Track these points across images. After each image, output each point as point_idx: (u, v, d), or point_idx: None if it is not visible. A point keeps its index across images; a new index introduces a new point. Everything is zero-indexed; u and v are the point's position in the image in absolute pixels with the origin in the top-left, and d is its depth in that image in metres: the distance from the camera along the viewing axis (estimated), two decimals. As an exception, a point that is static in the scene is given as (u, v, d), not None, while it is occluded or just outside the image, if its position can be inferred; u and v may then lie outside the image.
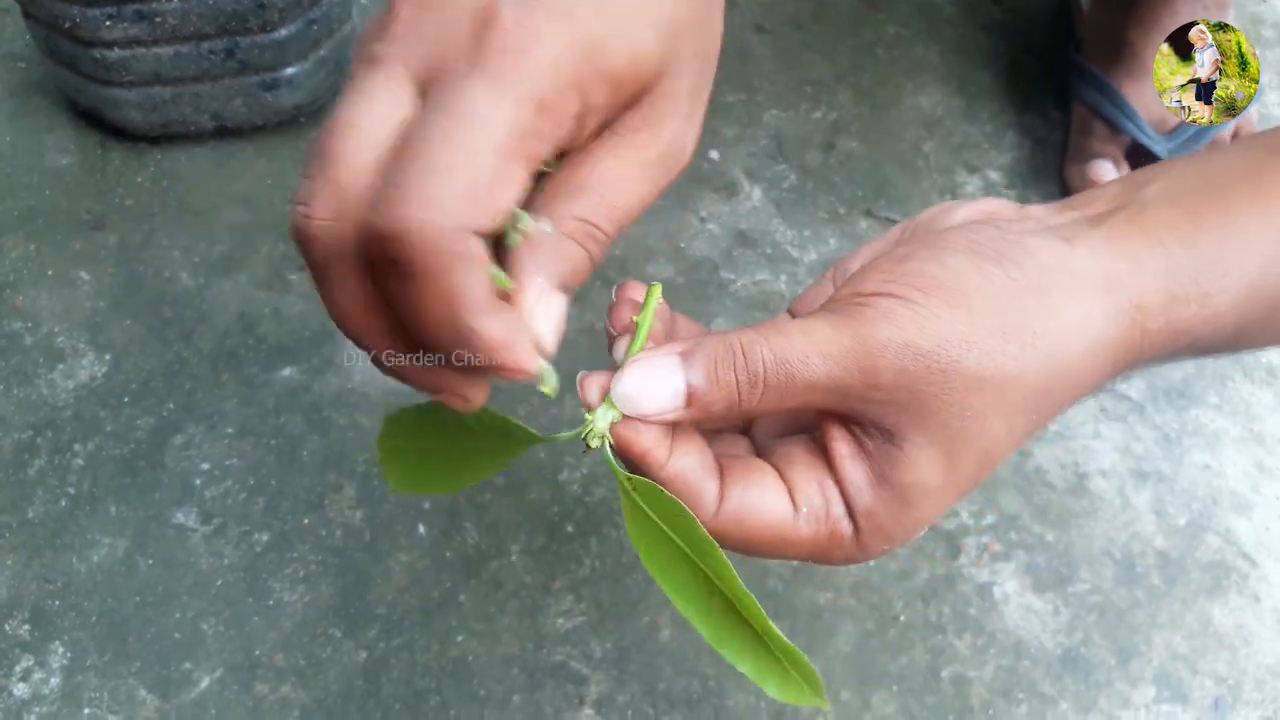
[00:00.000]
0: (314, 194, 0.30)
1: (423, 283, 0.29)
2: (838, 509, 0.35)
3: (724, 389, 0.33)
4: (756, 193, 0.77)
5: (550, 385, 0.32)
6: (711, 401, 0.33)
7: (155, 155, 0.74)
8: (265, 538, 0.60)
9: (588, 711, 0.57)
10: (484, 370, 0.31)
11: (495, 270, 0.31)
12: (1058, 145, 0.83)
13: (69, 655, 0.56)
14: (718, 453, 0.36)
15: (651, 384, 0.33)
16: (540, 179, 0.33)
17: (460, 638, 0.58)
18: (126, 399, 0.64)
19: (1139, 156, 0.78)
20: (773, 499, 0.35)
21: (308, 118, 0.76)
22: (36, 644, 0.57)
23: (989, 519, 0.65)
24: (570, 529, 0.62)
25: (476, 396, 0.34)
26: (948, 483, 0.34)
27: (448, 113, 0.29)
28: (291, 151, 0.75)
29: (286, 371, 0.66)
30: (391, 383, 0.66)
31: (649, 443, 0.34)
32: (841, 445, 0.34)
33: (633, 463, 0.34)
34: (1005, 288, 0.33)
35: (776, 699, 0.34)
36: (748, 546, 0.35)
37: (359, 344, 0.33)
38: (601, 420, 0.34)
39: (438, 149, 0.29)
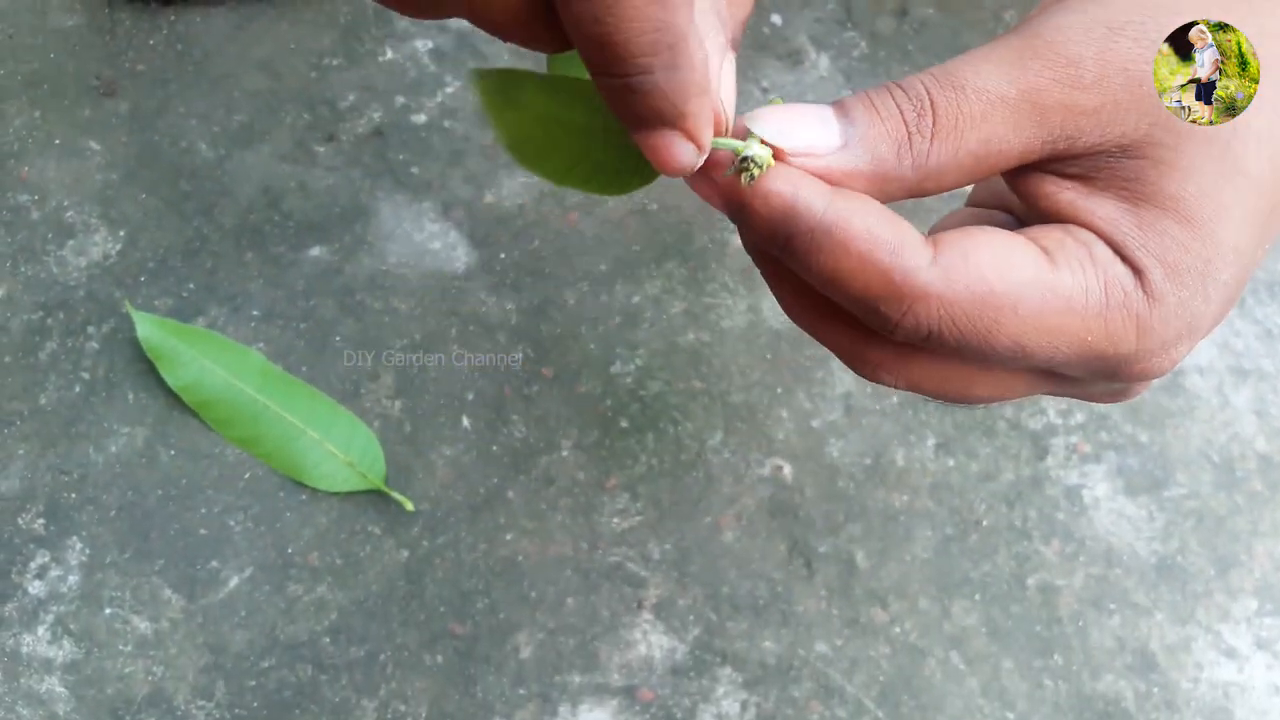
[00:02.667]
0: None
1: None
2: (1101, 250, 0.25)
3: (889, 121, 0.26)
4: (824, 61, 0.70)
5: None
6: (875, 140, 0.26)
7: (168, 16, 0.68)
8: (296, 428, 0.56)
9: (647, 615, 0.53)
10: (655, 120, 0.25)
11: None
12: (1153, 14, 0.76)
13: (88, 551, 0.52)
14: None
15: (801, 118, 0.26)
16: None
17: (509, 536, 0.54)
18: (143, 278, 0.59)
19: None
20: (1010, 243, 0.25)
21: (333, -24, 0.69)
22: (53, 539, 0.53)
23: (1077, 418, 0.60)
24: (625, 424, 0.57)
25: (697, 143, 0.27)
26: (1232, 182, 0.25)
27: None
28: (315, 14, 0.69)
29: (315, 251, 0.61)
30: (430, 264, 0.61)
31: (796, 178, 0.25)
32: (1066, 192, 0.26)
33: (776, 219, 0.26)
34: None
35: None
36: (994, 316, 0.25)
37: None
38: (757, 148, 0.26)
39: None
